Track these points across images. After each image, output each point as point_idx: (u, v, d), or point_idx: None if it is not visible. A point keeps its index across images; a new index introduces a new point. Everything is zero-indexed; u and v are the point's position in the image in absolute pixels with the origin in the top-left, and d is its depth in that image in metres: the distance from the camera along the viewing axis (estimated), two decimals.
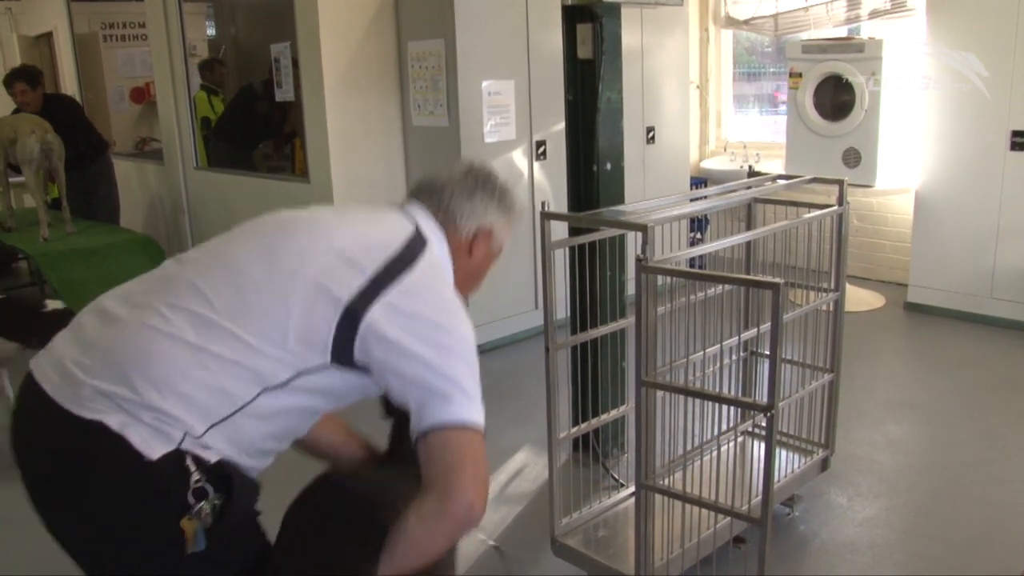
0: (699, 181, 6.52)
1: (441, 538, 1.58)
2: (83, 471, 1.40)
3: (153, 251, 5.01)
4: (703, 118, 7.06)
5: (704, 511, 2.52)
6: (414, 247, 1.63)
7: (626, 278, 3.16)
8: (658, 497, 2.44)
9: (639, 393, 2.26)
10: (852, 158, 5.38)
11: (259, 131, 6.24)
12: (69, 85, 8.20)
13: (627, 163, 3.41)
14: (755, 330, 2.60)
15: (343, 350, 1.50)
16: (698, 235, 6.22)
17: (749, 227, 3.01)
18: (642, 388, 2.26)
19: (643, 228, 2.15)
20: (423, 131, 4.87)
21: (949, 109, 5.02)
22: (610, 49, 3.15)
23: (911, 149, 5.31)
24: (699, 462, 2.68)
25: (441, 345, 1.53)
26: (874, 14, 5.88)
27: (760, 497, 2.52)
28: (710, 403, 2.51)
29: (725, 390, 2.93)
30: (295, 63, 5.01)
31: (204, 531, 1.41)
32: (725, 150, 6.94)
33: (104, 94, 7.95)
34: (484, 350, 4.92)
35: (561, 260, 2.77)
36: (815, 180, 3.03)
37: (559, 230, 2.82)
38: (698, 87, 6.92)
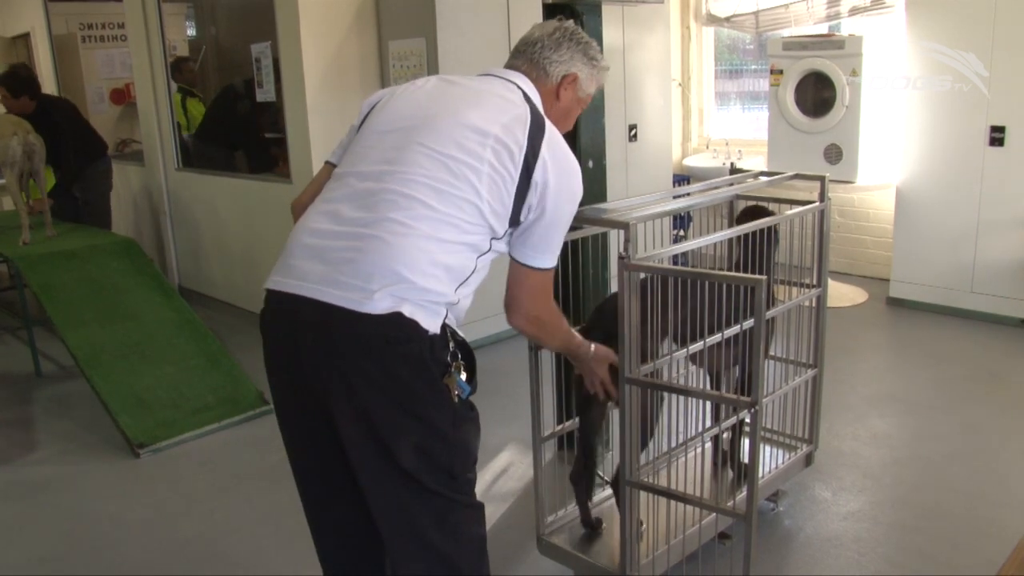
0: (682, 178, 6.54)
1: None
2: (387, 352, 1.68)
3: (135, 253, 4.97)
4: (685, 115, 7.08)
5: (689, 507, 2.52)
6: (533, 107, 1.90)
7: (609, 275, 3.16)
8: (643, 494, 2.44)
9: (623, 390, 2.27)
10: (833, 154, 5.41)
11: (241, 131, 6.20)
12: (48, 87, 8.12)
13: (610, 161, 3.41)
14: (738, 327, 2.60)
15: (517, 212, 1.82)
16: (681, 232, 6.24)
17: (731, 224, 3.02)
18: (626, 385, 2.26)
19: (625, 226, 2.15)
20: None
21: (929, 105, 5.05)
22: None
23: (892, 145, 5.34)
24: (684, 459, 2.69)
25: (575, 194, 1.90)
26: (854, 11, 5.91)
27: (745, 493, 2.53)
28: (694, 400, 2.51)
29: (710, 387, 2.94)
30: (276, 63, 4.98)
31: (463, 383, 1.79)
32: (708, 147, 6.96)
33: (83, 95, 7.89)
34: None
35: None
36: (797, 176, 3.04)
37: None
38: (680, 84, 6.94)
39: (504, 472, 3.51)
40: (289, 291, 1.75)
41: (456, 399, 1.77)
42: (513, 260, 1.89)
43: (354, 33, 4.80)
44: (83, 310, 4.46)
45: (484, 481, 3.45)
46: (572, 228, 2.65)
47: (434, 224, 1.72)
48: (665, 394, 2.52)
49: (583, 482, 2.69)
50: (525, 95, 1.93)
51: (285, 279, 1.78)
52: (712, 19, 6.81)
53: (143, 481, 3.63)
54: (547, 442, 2.71)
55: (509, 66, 2.05)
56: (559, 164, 1.83)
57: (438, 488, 1.77)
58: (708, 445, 3.03)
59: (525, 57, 2.03)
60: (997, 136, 4.77)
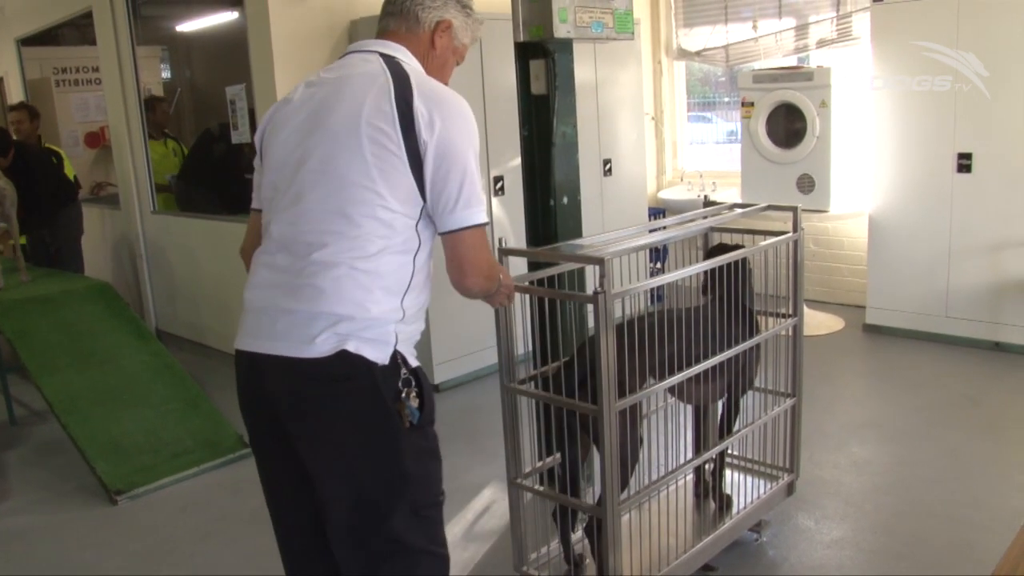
0: (657, 211, 6.59)
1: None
2: (337, 389, 1.74)
3: (110, 297, 4.94)
4: (659, 149, 7.15)
5: (674, 540, 2.52)
6: (394, 66, 1.83)
7: (587, 311, 3.17)
8: (628, 526, 2.44)
9: (603, 423, 2.27)
10: (806, 184, 5.48)
11: (220, 174, 6.18)
12: None
13: (585, 195, 3.44)
14: (716, 357, 2.62)
15: (420, 179, 1.76)
16: (658, 265, 6.27)
17: (707, 256, 3.05)
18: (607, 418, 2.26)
19: (599, 261, 2.17)
20: None
21: (897, 134, 5.14)
22: (563, 84, 3.19)
23: (863, 174, 5.42)
24: (666, 491, 2.69)
25: (467, 129, 1.82)
26: (821, 43, 6.02)
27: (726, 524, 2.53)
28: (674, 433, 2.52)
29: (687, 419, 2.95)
30: (251, 105, 4.99)
31: (414, 410, 1.78)
32: (682, 180, 7.03)
33: (58, 139, 7.86)
34: (447, 387, 4.92)
35: (519, 295, 2.78)
36: (770, 207, 3.07)
37: (518, 264, 2.84)
38: (653, 118, 7.01)
39: (486, 510, 3.49)
40: (246, 349, 1.85)
41: (408, 425, 1.79)
42: (444, 234, 1.81)
43: None
44: (58, 356, 4.42)
45: (465, 520, 3.43)
46: (548, 265, 2.68)
47: (356, 246, 1.73)
48: (644, 424, 2.52)
49: (565, 519, 2.68)
50: (384, 57, 1.86)
51: (243, 338, 1.87)
52: (683, 54, 6.91)
53: (121, 529, 3.58)
54: (528, 478, 2.70)
55: (380, 29, 1.99)
56: (438, 108, 1.76)
57: (400, 529, 1.82)
58: (690, 477, 3.04)
59: (396, 7, 1.97)
60: (964, 163, 4.85)
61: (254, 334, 1.83)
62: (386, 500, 1.80)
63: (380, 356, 1.74)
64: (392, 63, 1.84)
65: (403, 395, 1.77)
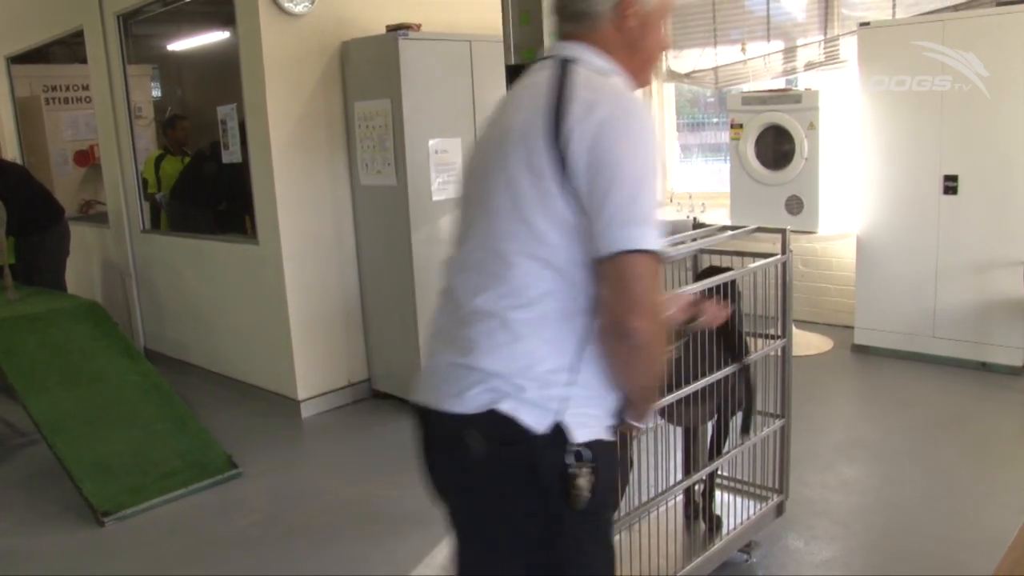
0: None
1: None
2: (486, 453, 1.49)
3: (99, 316, 4.92)
4: None
5: (664, 561, 2.52)
6: (560, 66, 1.55)
7: None
8: (618, 547, 2.43)
9: None
10: (795, 205, 5.52)
11: (210, 193, 6.19)
12: (10, 149, 8.09)
13: None
14: (704, 380, 2.63)
15: (576, 199, 1.45)
16: None
17: (696, 278, 3.06)
18: None
19: None
20: (371, 190, 4.89)
21: (885, 156, 5.18)
22: None
23: (851, 195, 5.46)
24: (657, 512, 2.70)
25: (636, 133, 1.51)
26: (809, 66, 6.08)
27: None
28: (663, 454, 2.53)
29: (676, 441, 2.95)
30: (242, 124, 5.01)
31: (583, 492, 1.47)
32: (671, 200, 7.06)
33: (47, 157, 7.85)
34: None
35: None
36: (759, 230, 3.10)
37: None
38: None
39: None
40: (411, 399, 1.68)
41: (576, 510, 1.49)
42: (600, 260, 1.44)
43: (320, 94, 4.85)
44: (46, 375, 4.39)
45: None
46: None
47: (511, 292, 1.48)
48: (634, 446, 2.53)
49: None
50: (561, 61, 1.57)
51: (416, 388, 1.67)
52: (672, 75, 6.96)
53: (108, 551, 3.55)
54: None
55: (562, 34, 1.66)
56: (594, 112, 1.44)
57: None
58: (680, 498, 3.04)
59: (567, 9, 1.64)
60: (950, 185, 4.90)
61: (421, 385, 1.63)
62: None
63: (537, 423, 1.46)
64: (565, 67, 1.54)
65: (572, 472, 1.46)
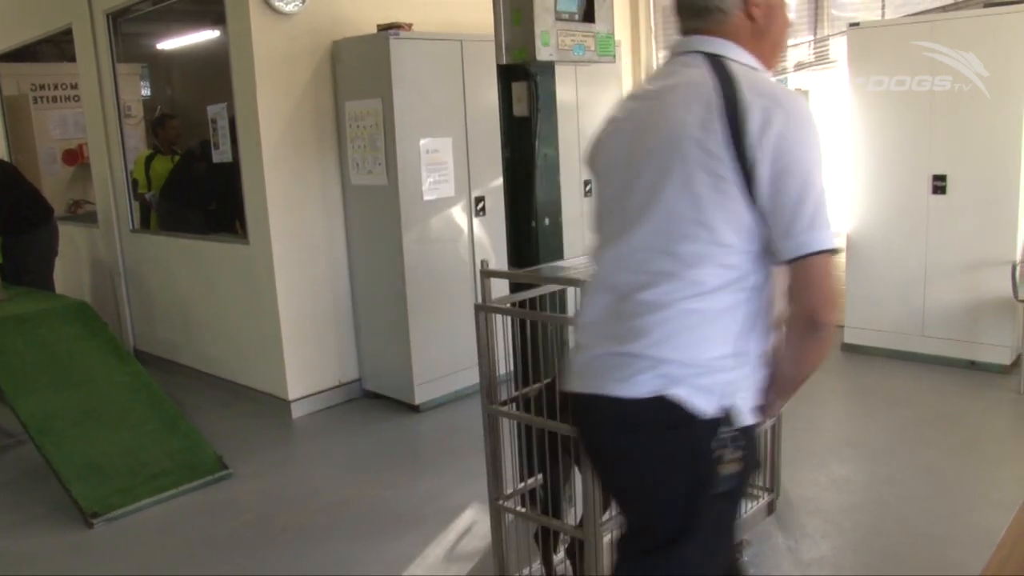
0: None
1: None
2: (649, 436, 1.59)
3: (88, 316, 4.89)
4: None
5: None
6: (719, 67, 1.59)
7: (568, 332, 3.18)
8: (610, 546, 2.44)
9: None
10: None
11: (200, 193, 6.17)
12: None
13: (566, 217, 3.46)
14: None
15: (757, 201, 1.54)
16: None
17: None
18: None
19: (580, 284, 2.18)
20: (362, 190, 4.89)
21: (874, 155, 5.20)
22: (545, 106, 3.21)
23: (840, 195, 5.48)
24: None
25: (806, 135, 1.58)
26: (799, 66, 6.10)
27: None
28: None
29: None
30: (232, 123, 4.99)
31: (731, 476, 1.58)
32: None
33: (35, 156, 7.81)
34: (428, 407, 4.91)
35: (499, 317, 2.79)
36: None
37: (500, 286, 2.85)
38: None
39: (467, 531, 3.48)
40: (568, 388, 1.75)
41: (718, 492, 1.60)
42: (789, 262, 1.53)
43: (310, 94, 4.84)
44: (35, 376, 4.37)
45: (447, 541, 3.42)
46: (530, 286, 2.69)
47: (685, 287, 1.54)
48: None
49: (547, 539, 2.68)
50: (709, 58, 1.62)
51: (569, 376, 1.74)
52: None
53: (97, 552, 3.54)
54: (511, 499, 2.70)
55: (688, 30, 1.71)
56: (772, 116, 1.49)
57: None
58: None
59: (693, 11, 1.70)
60: (939, 184, 4.92)
61: (576, 372, 1.71)
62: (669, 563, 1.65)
63: (704, 407, 1.55)
64: (717, 64, 1.59)
65: (722, 457, 1.56)
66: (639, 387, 1.55)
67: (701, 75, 1.58)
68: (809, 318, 1.54)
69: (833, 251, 1.52)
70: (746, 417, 1.58)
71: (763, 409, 1.65)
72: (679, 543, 1.61)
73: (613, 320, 1.62)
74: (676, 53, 1.71)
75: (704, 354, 1.54)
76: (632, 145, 1.64)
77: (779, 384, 1.65)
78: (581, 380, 1.68)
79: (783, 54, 1.58)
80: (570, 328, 2.23)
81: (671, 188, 1.54)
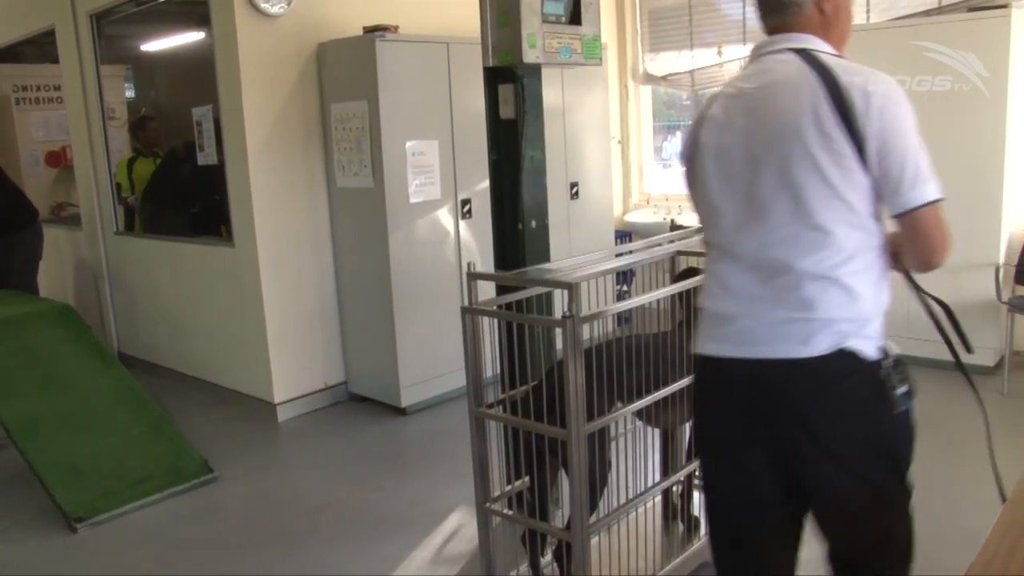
0: (624, 234, 6.64)
1: None
2: (835, 386, 1.81)
3: (72, 320, 4.86)
4: (625, 172, 7.21)
5: (643, 562, 2.52)
6: (811, 60, 1.79)
7: (555, 334, 3.18)
8: (597, 549, 2.44)
9: (571, 446, 2.27)
10: None
11: (183, 195, 6.13)
12: None
13: (552, 219, 3.47)
14: (683, 381, 2.64)
15: (869, 170, 1.77)
16: (624, 287, 6.31)
17: (674, 280, 3.07)
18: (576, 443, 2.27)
19: (568, 286, 2.18)
20: (348, 192, 4.88)
21: None
22: (532, 109, 3.22)
23: None
24: (635, 513, 2.70)
25: (899, 101, 1.81)
26: None
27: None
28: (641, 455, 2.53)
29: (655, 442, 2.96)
30: (217, 126, 4.97)
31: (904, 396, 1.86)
32: (648, 203, 7.09)
33: (17, 158, 7.75)
34: (414, 410, 4.90)
35: (487, 320, 2.79)
36: None
37: (486, 288, 2.84)
38: (619, 142, 7.08)
39: (454, 534, 3.48)
40: (727, 355, 1.90)
41: (897, 412, 1.87)
42: (901, 216, 1.77)
43: (296, 96, 4.82)
44: (18, 380, 4.33)
45: (434, 544, 3.41)
46: (516, 289, 2.69)
47: (833, 255, 1.77)
48: (612, 447, 2.53)
49: (534, 542, 2.68)
50: (798, 52, 1.83)
51: (717, 344, 1.92)
52: (649, 78, 6.99)
53: (81, 557, 3.51)
54: (498, 502, 2.69)
55: (769, 28, 1.92)
56: (870, 94, 1.73)
57: (886, 513, 2.00)
58: (658, 499, 3.05)
59: (771, 6, 1.91)
60: None
61: (736, 340, 1.87)
62: (876, 482, 1.93)
63: (871, 351, 1.80)
64: (809, 57, 1.80)
65: (893, 382, 1.83)
66: (817, 346, 1.77)
67: (798, 69, 1.79)
68: (924, 262, 1.82)
69: (940, 200, 1.76)
70: (893, 350, 1.86)
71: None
72: (897, 474, 1.98)
73: (773, 293, 1.81)
74: (762, 53, 1.91)
75: (861, 308, 1.78)
76: (749, 140, 1.83)
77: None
78: (747, 347, 1.85)
79: (848, 43, 1.95)
80: (558, 330, 2.23)
81: (800, 172, 1.75)
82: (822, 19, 1.88)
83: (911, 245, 1.81)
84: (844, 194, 1.74)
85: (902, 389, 1.86)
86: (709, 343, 1.92)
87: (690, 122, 2.00)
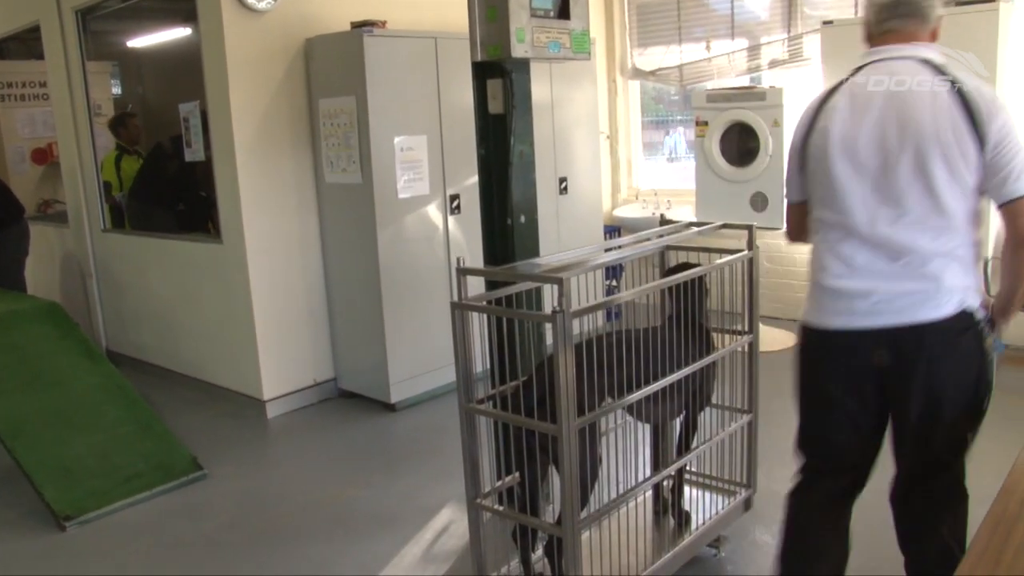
0: (613, 229, 6.64)
1: None
2: (957, 339, 2.21)
3: (59, 317, 4.83)
4: (614, 167, 7.21)
5: (634, 557, 2.52)
6: (937, 71, 2.16)
7: (544, 329, 3.18)
8: (588, 544, 2.44)
9: (562, 442, 2.27)
10: (759, 202, 5.55)
11: (167, 191, 6.10)
12: None
13: (541, 214, 3.46)
14: (674, 375, 2.64)
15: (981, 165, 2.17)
16: (613, 282, 6.31)
17: (663, 275, 3.07)
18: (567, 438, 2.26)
19: (559, 281, 2.18)
20: (336, 188, 4.86)
21: None
22: (521, 103, 3.20)
23: None
24: (626, 508, 2.70)
25: (1002, 106, 2.18)
26: (773, 64, 6.12)
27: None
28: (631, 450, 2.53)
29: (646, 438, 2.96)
30: (204, 121, 4.94)
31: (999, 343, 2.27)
32: (637, 198, 7.09)
33: (3, 155, 7.69)
34: (404, 406, 4.89)
35: (476, 315, 2.78)
36: (725, 226, 3.11)
37: (475, 283, 2.83)
38: (608, 137, 7.07)
39: (445, 530, 3.47)
40: (850, 327, 2.27)
41: (991, 356, 2.24)
42: (1006, 204, 2.12)
43: (284, 92, 4.80)
44: (5, 378, 4.30)
45: (424, 540, 3.40)
46: (505, 284, 2.68)
47: (955, 236, 2.15)
48: (603, 442, 2.53)
49: (525, 538, 2.67)
50: (923, 62, 2.19)
51: (837, 317, 2.29)
52: (638, 73, 6.99)
53: (70, 556, 3.49)
54: (488, 498, 2.69)
55: (887, 30, 2.26)
56: (991, 103, 2.10)
57: (966, 439, 2.35)
58: (649, 494, 3.05)
59: (909, 8, 2.23)
60: None
61: (869, 313, 2.21)
62: (968, 417, 2.28)
63: (978, 311, 2.19)
64: (934, 67, 2.16)
65: (987, 332, 2.21)
66: (947, 309, 2.14)
67: (928, 76, 2.15)
68: (1021, 241, 2.13)
69: None
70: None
71: (1004, 315, 2.26)
72: (985, 398, 2.27)
73: (902, 269, 2.17)
74: (885, 58, 2.24)
75: (970, 277, 2.17)
76: (884, 134, 2.16)
77: (1006, 294, 2.23)
78: (881, 317, 2.20)
79: None
80: (548, 325, 2.23)
81: (935, 166, 2.10)
82: (933, 33, 2.26)
83: (1012, 227, 2.14)
84: (967, 187, 2.11)
85: (991, 338, 2.24)
86: (834, 318, 2.27)
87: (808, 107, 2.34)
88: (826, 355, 2.35)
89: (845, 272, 2.24)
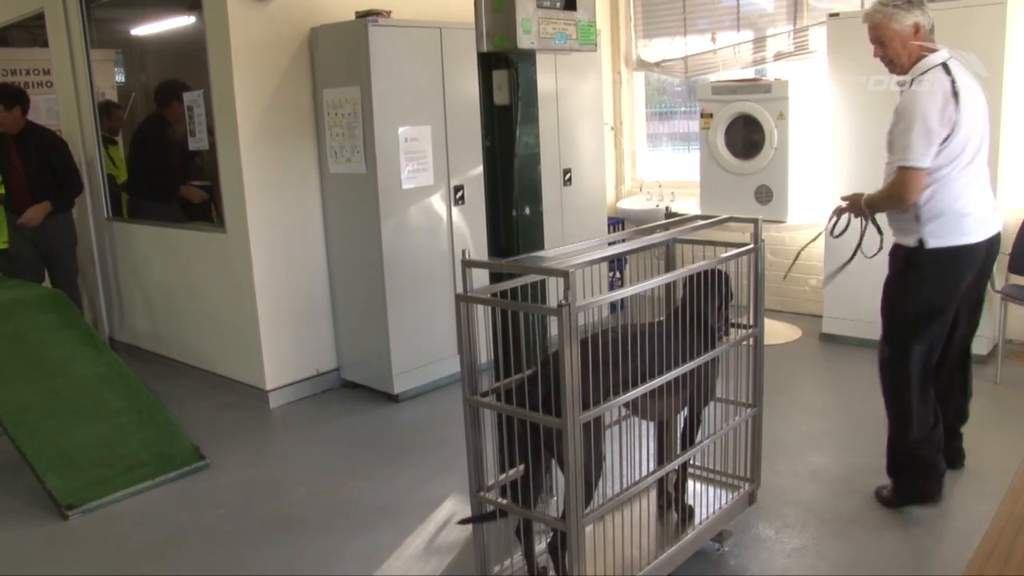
0: (616, 221, 6.62)
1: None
2: None
3: (62, 306, 4.82)
4: (618, 159, 7.19)
5: (638, 552, 2.52)
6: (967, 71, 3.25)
7: (549, 322, 3.16)
8: (591, 538, 2.43)
9: (567, 436, 2.26)
10: (764, 195, 5.53)
11: (168, 179, 6.06)
12: None
13: (545, 205, 3.44)
14: (675, 371, 2.63)
15: None
16: (616, 274, 6.30)
17: (668, 267, 3.06)
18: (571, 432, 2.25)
19: (564, 274, 2.16)
20: (340, 178, 4.84)
21: (853, 145, 5.21)
22: (526, 95, 3.18)
23: (820, 185, 5.49)
24: (629, 503, 2.69)
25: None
26: (779, 56, 6.09)
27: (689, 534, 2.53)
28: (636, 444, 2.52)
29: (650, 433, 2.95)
30: (208, 110, 4.92)
31: None
32: (641, 190, 7.07)
33: None
34: (407, 397, 4.89)
35: (480, 307, 2.76)
36: (731, 219, 3.09)
37: (479, 275, 2.82)
38: (612, 128, 7.05)
39: (447, 523, 3.47)
40: (987, 237, 3.26)
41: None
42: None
43: (288, 81, 4.78)
44: (7, 367, 4.30)
45: (427, 532, 3.40)
46: (509, 276, 2.67)
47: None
48: (607, 437, 2.52)
49: (528, 533, 2.67)
50: (959, 62, 3.24)
51: (980, 230, 3.22)
52: (643, 64, 6.96)
53: (72, 545, 3.49)
54: (492, 490, 2.68)
55: (932, 38, 3.24)
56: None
57: None
58: (653, 489, 3.04)
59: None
60: None
61: (992, 226, 3.27)
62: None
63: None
64: (963, 66, 3.19)
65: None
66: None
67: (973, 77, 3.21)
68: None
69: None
70: None
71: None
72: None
73: (990, 194, 3.28)
74: (954, 56, 3.19)
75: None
76: (979, 114, 3.17)
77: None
78: (995, 227, 3.30)
79: None
80: (552, 319, 2.21)
81: (985, 139, 3.21)
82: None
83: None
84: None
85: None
86: (969, 236, 3.17)
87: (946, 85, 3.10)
88: (956, 266, 3.24)
89: (976, 200, 3.22)
